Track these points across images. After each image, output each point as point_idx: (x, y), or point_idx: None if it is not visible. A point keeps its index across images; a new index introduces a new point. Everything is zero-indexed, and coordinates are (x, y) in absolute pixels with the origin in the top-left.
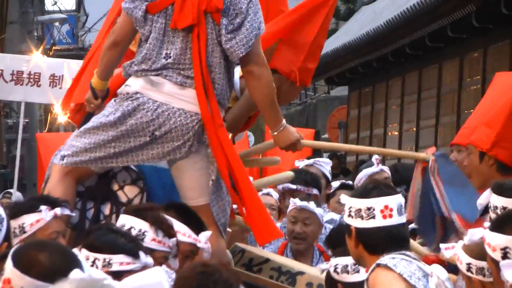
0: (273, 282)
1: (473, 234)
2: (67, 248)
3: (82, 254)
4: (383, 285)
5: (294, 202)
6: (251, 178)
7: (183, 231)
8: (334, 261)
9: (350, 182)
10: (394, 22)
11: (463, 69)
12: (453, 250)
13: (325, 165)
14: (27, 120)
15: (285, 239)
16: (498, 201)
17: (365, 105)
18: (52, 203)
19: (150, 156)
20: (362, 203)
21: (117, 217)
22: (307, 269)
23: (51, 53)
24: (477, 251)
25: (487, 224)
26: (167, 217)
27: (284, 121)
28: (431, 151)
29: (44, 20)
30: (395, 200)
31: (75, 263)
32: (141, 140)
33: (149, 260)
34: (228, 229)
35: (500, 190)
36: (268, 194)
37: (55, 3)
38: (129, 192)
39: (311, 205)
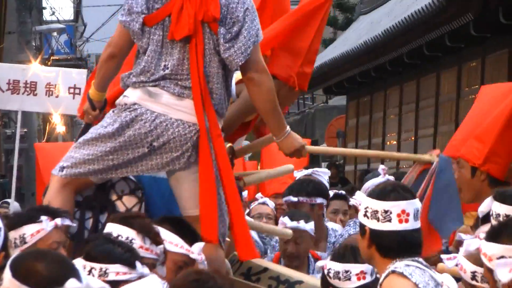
0: None
1: (469, 245)
2: (65, 258)
3: (79, 263)
4: None
5: (285, 223)
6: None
7: (175, 242)
8: (329, 264)
9: (343, 192)
10: (392, 31)
11: (461, 78)
12: (454, 261)
13: (323, 175)
14: (25, 130)
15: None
16: (501, 209)
17: (363, 114)
18: (52, 213)
19: (149, 167)
20: (379, 205)
21: None
22: (305, 278)
23: (49, 63)
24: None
25: (482, 235)
26: (154, 225)
27: (288, 127)
28: (436, 153)
29: (42, 30)
30: (412, 205)
31: (73, 273)
32: (140, 151)
33: (145, 270)
34: (227, 239)
35: (503, 198)
36: (264, 203)
37: (53, 13)
38: (127, 202)
39: (301, 224)
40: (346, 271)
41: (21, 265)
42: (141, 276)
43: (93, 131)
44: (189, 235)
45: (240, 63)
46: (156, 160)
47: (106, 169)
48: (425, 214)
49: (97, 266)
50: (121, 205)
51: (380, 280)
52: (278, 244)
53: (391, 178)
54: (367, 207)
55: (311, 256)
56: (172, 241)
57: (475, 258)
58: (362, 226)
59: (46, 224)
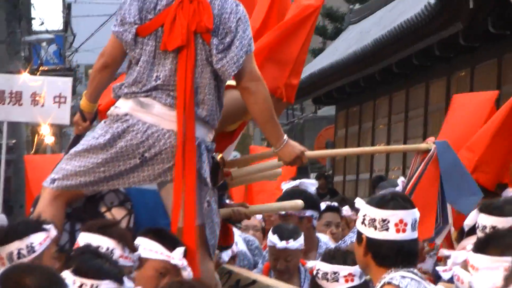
0: None
1: (456, 257)
2: (54, 272)
3: (67, 277)
4: None
5: (274, 243)
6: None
7: (155, 249)
8: (318, 264)
9: (336, 204)
10: (381, 41)
11: (450, 88)
12: (450, 272)
13: (310, 186)
14: (14, 141)
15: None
16: (487, 220)
17: (353, 124)
18: (42, 224)
19: (141, 179)
20: (378, 213)
21: None
22: None
23: (38, 74)
24: None
25: (469, 246)
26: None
27: (285, 136)
28: (431, 140)
29: (31, 40)
30: (411, 215)
31: (62, 287)
32: (131, 162)
33: (130, 285)
34: (216, 250)
35: (489, 210)
36: None
37: (42, 23)
38: (116, 214)
39: (290, 243)
40: (335, 273)
41: (10, 279)
42: None
43: (84, 143)
44: (169, 240)
45: (232, 74)
46: (148, 172)
47: (98, 181)
48: (419, 198)
49: (88, 282)
50: (110, 217)
51: None
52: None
53: None
54: (365, 215)
55: (301, 265)
56: (152, 249)
57: None
58: (359, 234)
59: (51, 232)
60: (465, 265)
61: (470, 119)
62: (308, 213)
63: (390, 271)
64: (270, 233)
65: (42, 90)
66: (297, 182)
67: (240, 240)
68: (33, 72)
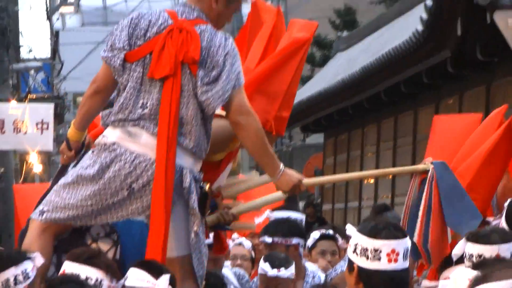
0: None
1: (444, 286)
2: None
3: None
4: None
5: (266, 271)
6: None
7: (141, 277)
8: None
9: (331, 232)
10: (369, 68)
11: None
12: None
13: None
14: (2, 170)
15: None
16: (474, 249)
17: (341, 152)
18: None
19: (130, 212)
20: (370, 243)
21: None
22: None
23: (26, 101)
24: None
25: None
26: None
27: (282, 165)
28: (429, 160)
29: (20, 68)
30: (403, 244)
31: None
32: (119, 195)
33: None
34: None
35: (475, 238)
36: (240, 244)
37: (31, 50)
38: (102, 246)
39: (282, 272)
40: None
41: None
42: None
43: (73, 173)
44: (157, 270)
45: (217, 107)
46: (136, 204)
47: (86, 215)
48: (438, 220)
49: None
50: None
51: None
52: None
53: None
54: (357, 244)
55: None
56: (138, 277)
57: None
58: (350, 262)
59: (37, 261)
60: None
61: (456, 141)
62: (295, 241)
63: None
64: (261, 261)
65: (24, 117)
66: (284, 215)
67: (230, 274)
68: (21, 100)
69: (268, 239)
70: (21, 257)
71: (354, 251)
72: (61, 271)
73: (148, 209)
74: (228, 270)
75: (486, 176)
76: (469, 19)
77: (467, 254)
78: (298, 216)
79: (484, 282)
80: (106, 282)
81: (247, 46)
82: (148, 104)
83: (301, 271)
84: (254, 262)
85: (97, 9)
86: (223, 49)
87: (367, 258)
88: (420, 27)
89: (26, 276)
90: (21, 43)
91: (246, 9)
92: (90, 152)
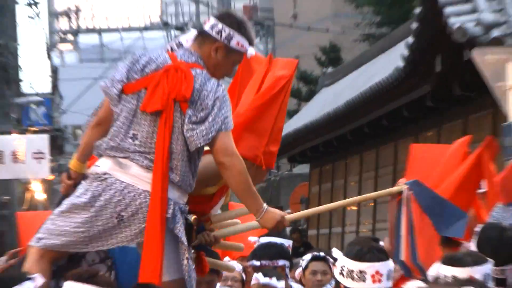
0: None
1: None
2: None
3: None
4: None
5: (258, 279)
6: None
7: None
8: None
9: (322, 254)
10: (353, 102)
11: None
12: None
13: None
14: (7, 198)
15: None
16: (449, 272)
17: (326, 181)
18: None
19: (120, 240)
20: (355, 266)
21: None
22: None
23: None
24: None
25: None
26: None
27: (264, 205)
28: (402, 182)
29: (22, 102)
30: (386, 266)
31: None
32: (109, 223)
33: None
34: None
35: (451, 262)
36: None
37: (31, 87)
38: None
39: (273, 281)
40: None
41: None
42: None
43: (67, 202)
44: None
45: (199, 145)
46: (126, 233)
47: (79, 242)
48: (422, 234)
49: None
50: None
51: None
52: None
53: None
54: (343, 266)
55: None
56: None
57: None
58: (337, 283)
59: (38, 281)
60: None
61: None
62: (281, 262)
63: None
64: (255, 273)
65: (21, 147)
66: (272, 240)
67: None
68: (22, 133)
69: (256, 262)
70: (22, 277)
71: (341, 273)
72: None
73: (136, 237)
74: None
75: (459, 203)
76: (448, 56)
77: (442, 276)
78: (285, 241)
79: None
80: None
81: (238, 93)
82: (138, 136)
83: None
84: (244, 284)
85: (94, 47)
86: (214, 94)
87: (353, 279)
88: (401, 64)
89: None
90: (21, 77)
91: None
92: (83, 181)
